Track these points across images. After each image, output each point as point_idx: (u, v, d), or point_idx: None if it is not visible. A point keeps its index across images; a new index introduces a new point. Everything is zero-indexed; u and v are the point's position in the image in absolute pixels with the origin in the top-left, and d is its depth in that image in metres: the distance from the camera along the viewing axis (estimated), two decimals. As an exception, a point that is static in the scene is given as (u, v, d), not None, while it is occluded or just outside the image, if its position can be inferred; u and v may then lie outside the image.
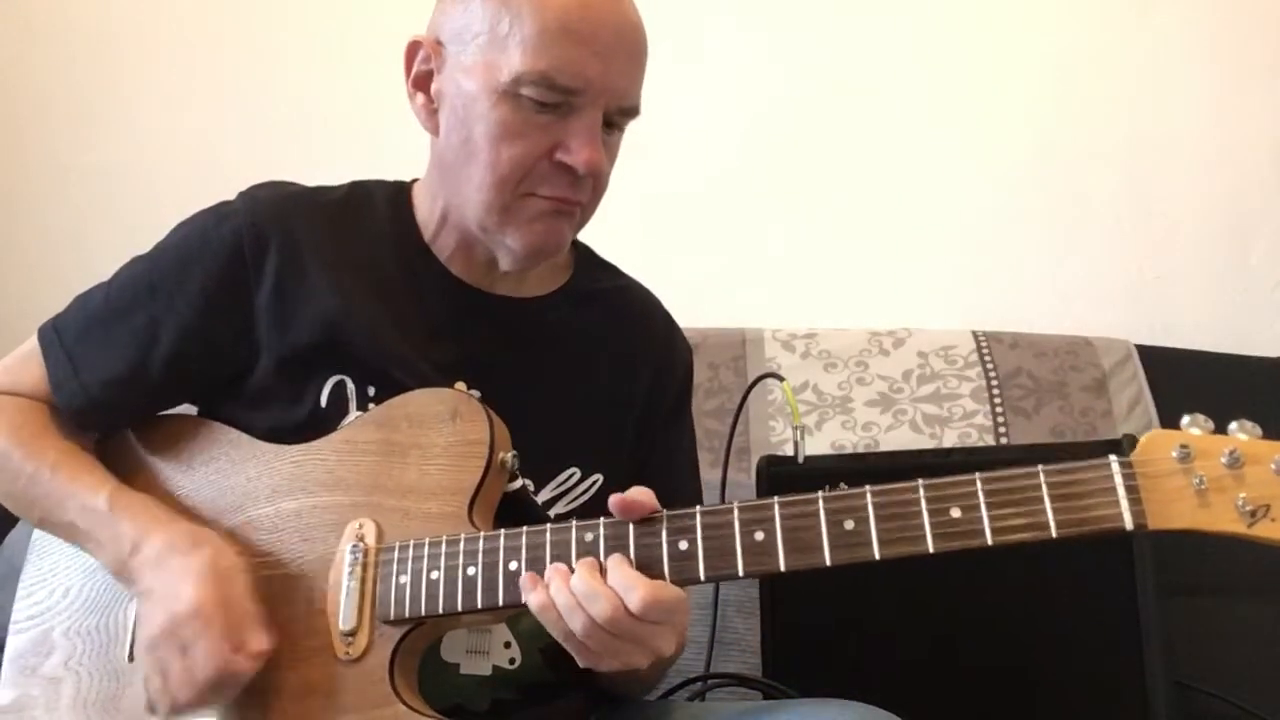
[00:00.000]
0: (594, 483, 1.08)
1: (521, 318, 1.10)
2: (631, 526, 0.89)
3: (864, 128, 2.04)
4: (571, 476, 1.08)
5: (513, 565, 0.90)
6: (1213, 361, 1.82)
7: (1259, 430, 0.78)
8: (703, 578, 0.87)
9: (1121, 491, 0.79)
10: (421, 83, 1.04)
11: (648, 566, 0.87)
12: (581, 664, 0.88)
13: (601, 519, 0.90)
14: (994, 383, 1.77)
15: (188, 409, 1.11)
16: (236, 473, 1.03)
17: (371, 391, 1.02)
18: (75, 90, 2.13)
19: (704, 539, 0.87)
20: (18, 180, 2.14)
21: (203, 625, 0.91)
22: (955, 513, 0.82)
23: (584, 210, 1.04)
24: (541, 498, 1.06)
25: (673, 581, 0.87)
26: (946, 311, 1.96)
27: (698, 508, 0.88)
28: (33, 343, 1.09)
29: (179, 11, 2.12)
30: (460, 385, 1.03)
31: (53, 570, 1.10)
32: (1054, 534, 0.80)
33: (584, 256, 1.18)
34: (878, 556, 0.83)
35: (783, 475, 1.31)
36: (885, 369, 1.79)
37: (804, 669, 1.28)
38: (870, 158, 2.04)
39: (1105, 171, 2.00)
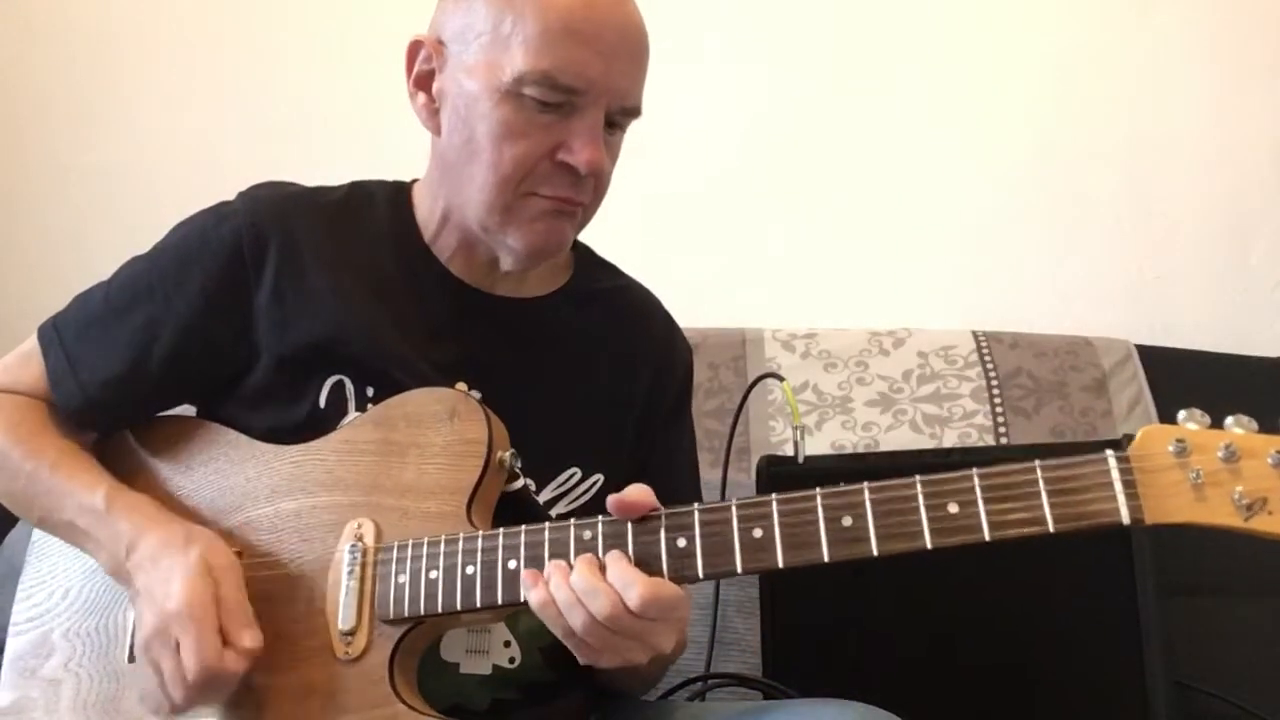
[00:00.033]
0: (594, 483, 1.08)
1: (522, 318, 1.10)
2: (630, 525, 0.89)
3: (864, 128, 2.04)
4: (572, 477, 1.08)
5: (511, 564, 0.90)
6: (1213, 361, 1.82)
7: (1255, 424, 0.79)
8: (701, 575, 0.87)
9: (1118, 486, 0.79)
10: (423, 82, 1.04)
11: (646, 564, 0.87)
12: (581, 660, 0.88)
13: (600, 517, 0.90)
14: (994, 383, 1.77)
15: (186, 410, 1.11)
16: (235, 473, 1.03)
17: (370, 392, 1.02)
18: (75, 90, 2.13)
19: (702, 536, 0.87)
20: (18, 180, 2.14)
21: (192, 623, 0.90)
22: (953, 508, 0.82)
23: (585, 210, 1.04)
24: (542, 498, 1.06)
25: (671, 579, 0.87)
26: (946, 311, 1.96)
27: (696, 505, 0.88)
28: (32, 342, 1.09)
29: (179, 11, 2.12)
30: (461, 386, 1.03)
31: (52, 572, 1.10)
32: (1051, 528, 0.80)
33: (584, 256, 1.18)
34: (876, 552, 0.83)
35: (783, 475, 1.31)
36: (885, 369, 1.79)
37: (804, 669, 1.28)
38: (870, 158, 2.04)
39: (1105, 171, 2.00)
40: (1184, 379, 1.77)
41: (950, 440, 1.72)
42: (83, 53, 2.13)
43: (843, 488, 0.85)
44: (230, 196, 1.09)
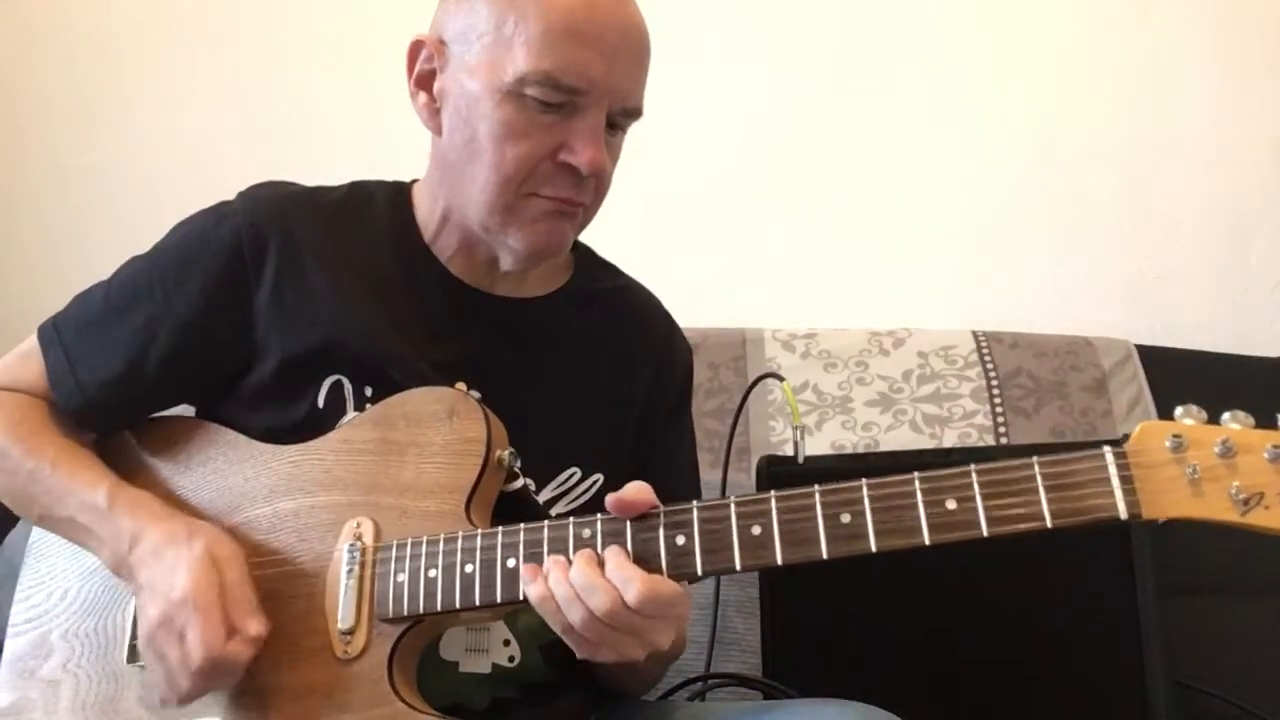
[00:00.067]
0: (594, 483, 1.08)
1: (522, 318, 1.10)
2: (629, 523, 0.89)
3: (864, 128, 2.04)
4: (572, 476, 1.08)
5: (510, 562, 0.90)
6: (1213, 361, 1.82)
7: (1251, 420, 0.79)
8: (700, 572, 0.87)
9: (1116, 481, 0.79)
10: (424, 82, 1.04)
11: (645, 561, 0.87)
12: (579, 655, 0.89)
13: (599, 515, 0.90)
14: (994, 383, 1.77)
15: (186, 409, 1.11)
16: (234, 473, 1.03)
17: (369, 392, 1.02)
18: (75, 90, 2.12)
19: (701, 534, 0.87)
20: (18, 180, 2.13)
21: (197, 611, 0.91)
22: (951, 504, 0.82)
23: (586, 211, 1.04)
24: (542, 498, 1.06)
25: (670, 576, 0.87)
26: (946, 311, 1.96)
27: (694, 503, 0.89)
28: (32, 341, 1.09)
29: (179, 11, 2.12)
30: (460, 385, 1.03)
31: (50, 573, 1.10)
32: (1049, 524, 0.80)
33: (584, 257, 1.18)
34: (874, 549, 0.83)
35: (783, 475, 1.31)
36: (885, 369, 1.79)
37: (804, 669, 1.28)
38: (870, 158, 2.04)
39: (1105, 171, 2.00)
40: (1184, 379, 1.77)
41: (950, 440, 1.72)
42: (83, 53, 2.13)
43: (841, 484, 0.85)
44: (230, 196, 1.09)
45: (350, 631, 0.93)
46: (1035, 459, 0.81)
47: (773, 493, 0.86)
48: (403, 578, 0.93)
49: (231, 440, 1.04)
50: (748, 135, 2.05)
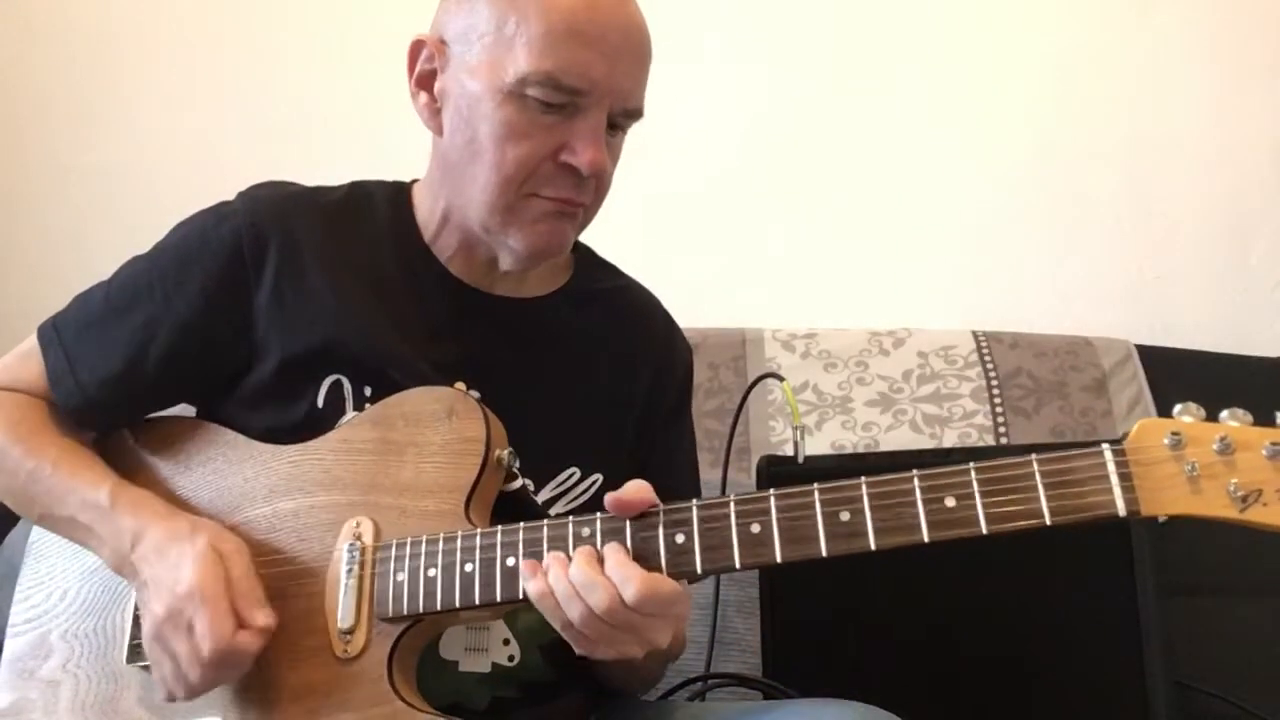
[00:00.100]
0: (594, 482, 1.08)
1: (521, 318, 1.10)
2: (629, 521, 0.89)
3: (864, 128, 2.04)
4: (571, 476, 1.08)
5: (510, 561, 0.90)
6: (1213, 361, 1.82)
7: (1250, 417, 0.79)
8: (700, 570, 0.87)
9: (1114, 478, 0.80)
10: (425, 82, 1.04)
11: (645, 560, 0.87)
12: (578, 651, 0.89)
13: (598, 514, 0.90)
14: (994, 383, 1.77)
15: (186, 410, 1.11)
16: (234, 473, 1.03)
17: (368, 391, 1.02)
18: (75, 90, 2.13)
19: (700, 532, 0.87)
20: (18, 180, 2.14)
21: (204, 603, 0.91)
22: (950, 502, 0.82)
23: (587, 211, 1.04)
24: (541, 497, 1.06)
25: (670, 574, 0.87)
26: (946, 311, 1.96)
27: (694, 501, 0.89)
28: (32, 341, 1.09)
29: (179, 11, 2.12)
30: (460, 385, 1.03)
31: (50, 573, 1.10)
32: (1048, 521, 0.80)
33: (584, 257, 1.18)
34: (874, 547, 0.83)
35: (783, 475, 1.31)
36: (885, 369, 1.79)
37: (804, 669, 1.28)
38: (870, 158, 2.04)
39: (1105, 171, 2.00)
40: (1184, 379, 1.77)
41: (950, 440, 1.72)
42: (83, 53, 2.13)
43: (840, 483, 0.85)
44: (230, 196, 1.09)
45: (350, 631, 0.93)
46: (1034, 456, 0.81)
47: (772, 491, 0.86)
48: (402, 577, 0.93)
49: (231, 440, 1.04)
50: (748, 135, 2.05)
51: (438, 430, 0.98)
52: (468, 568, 0.91)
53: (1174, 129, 1.99)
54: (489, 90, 0.98)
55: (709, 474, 1.36)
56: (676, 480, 1.14)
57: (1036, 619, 1.28)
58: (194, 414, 1.10)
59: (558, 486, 1.07)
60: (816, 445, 1.70)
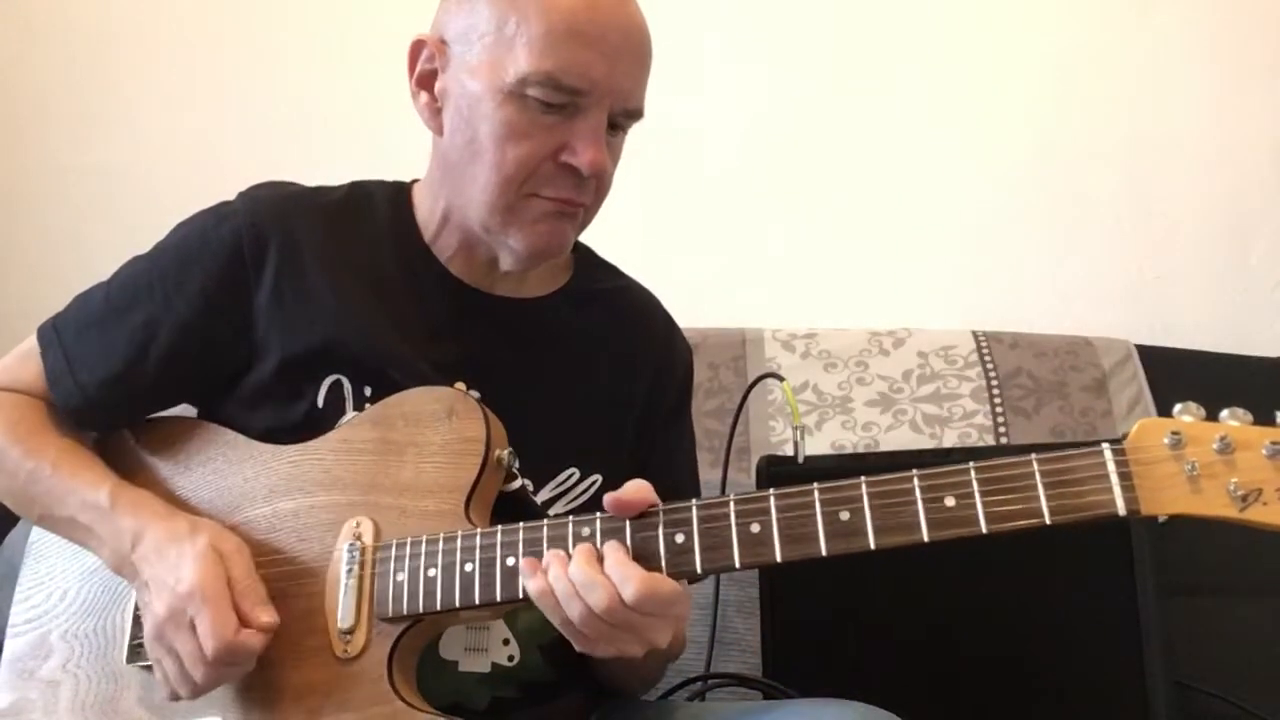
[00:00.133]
0: (593, 483, 1.08)
1: (521, 318, 1.10)
2: (628, 521, 0.89)
3: (864, 128, 2.04)
4: (571, 477, 1.08)
5: (510, 561, 0.90)
6: (1213, 361, 1.82)
7: (1250, 417, 0.79)
8: (700, 570, 0.87)
9: (1114, 478, 0.80)
10: (425, 82, 1.04)
11: (645, 559, 0.87)
12: (578, 649, 0.89)
13: (598, 514, 0.90)
14: (994, 383, 1.77)
15: (186, 410, 1.11)
16: (234, 473, 1.03)
17: (368, 391, 1.02)
18: (75, 90, 2.13)
19: (700, 532, 0.87)
20: (18, 180, 2.14)
21: (206, 602, 0.91)
22: (949, 501, 0.82)
23: (587, 212, 1.04)
24: (540, 498, 1.06)
25: (670, 574, 0.87)
26: (946, 311, 1.96)
27: (693, 501, 0.89)
28: (31, 341, 1.09)
29: (179, 11, 2.12)
30: (460, 385, 1.03)
31: (50, 573, 1.10)
32: (1048, 520, 0.80)
33: (584, 257, 1.18)
34: (873, 546, 0.83)
35: (783, 475, 1.31)
36: (885, 369, 1.79)
37: (804, 669, 1.28)
38: (870, 158, 2.04)
39: (1105, 171, 2.00)
40: (1184, 379, 1.77)
41: (950, 440, 1.72)
42: (83, 53, 2.13)
43: (840, 483, 0.85)
44: (230, 196, 1.09)
45: (350, 631, 0.93)
46: (1034, 456, 0.81)
47: (771, 490, 0.86)
48: (402, 577, 0.93)
49: (231, 440, 1.04)
50: (748, 135, 2.05)
51: (438, 430, 0.98)
52: (468, 568, 0.91)
53: (1174, 129, 1.99)
54: (489, 90, 0.98)
55: (709, 474, 1.36)
56: (676, 480, 1.14)
57: (1036, 619, 1.28)
58: (194, 414, 1.10)
59: (557, 487, 1.07)
60: (816, 445, 1.70)
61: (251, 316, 1.04)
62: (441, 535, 0.93)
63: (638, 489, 0.89)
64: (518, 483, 1.03)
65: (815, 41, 2.05)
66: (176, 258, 1.06)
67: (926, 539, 0.82)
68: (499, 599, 0.90)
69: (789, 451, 1.34)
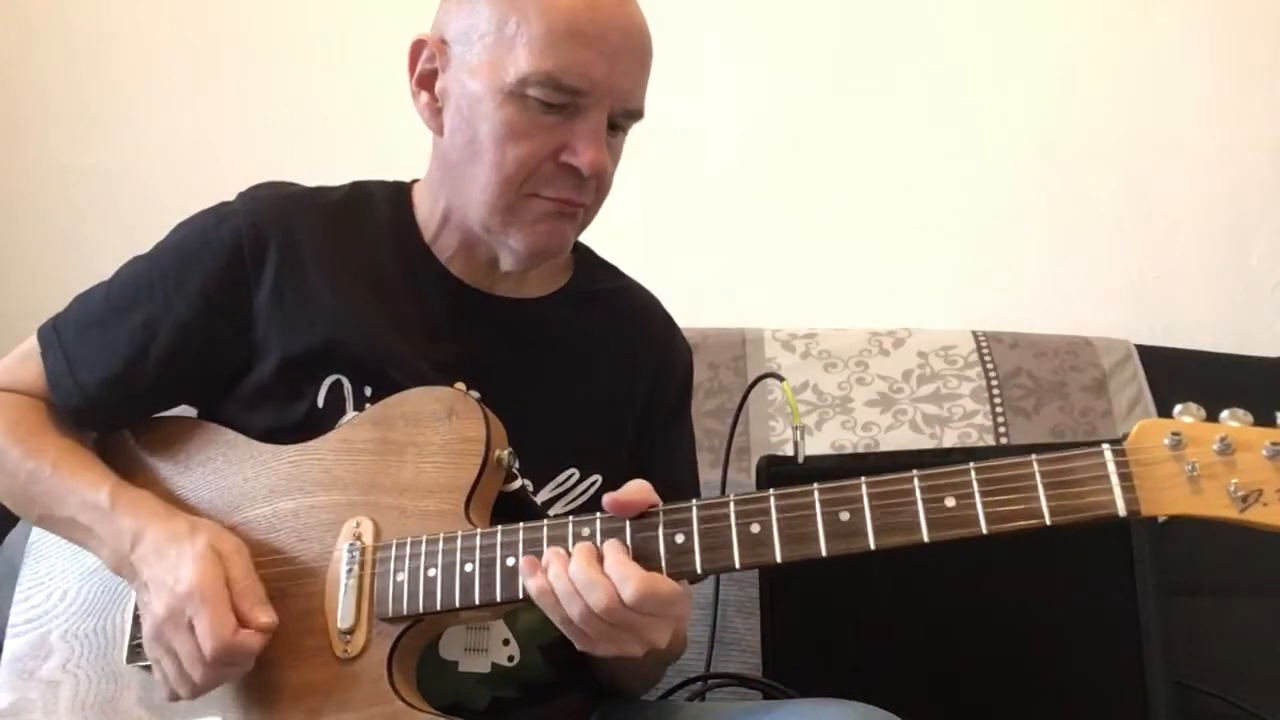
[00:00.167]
0: (593, 483, 1.08)
1: (522, 318, 1.10)
2: (628, 521, 0.89)
3: (864, 128, 2.04)
4: (570, 477, 1.08)
5: (510, 561, 0.90)
6: (1213, 361, 1.82)
7: (1250, 418, 0.79)
8: (699, 570, 0.87)
9: (1115, 479, 0.80)
10: (425, 82, 1.04)
11: (645, 560, 0.87)
12: (578, 647, 0.89)
13: (598, 514, 0.90)
14: (994, 383, 1.77)
15: (186, 410, 1.11)
16: (234, 473, 1.03)
17: (368, 391, 1.02)
18: (75, 90, 2.13)
19: (700, 532, 0.87)
20: (18, 180, 2.14)
21: (205, 602, 0.91)
22: (950, 502, 0.82)
23: (587, 212, 1.04)
24: (540, 498, 1.06)
25: (670, 574, 0.87)
26: (946, 311, 1.96)
27: (694, 501, 0.89)
28: (32, 342, 1.09)
29: (179, 11, 2.12)
30: (460, 385, 1.03)
31: (50, 573, 1.10)
32: (1048, 521, 0.80)
33: (584, 257, 1.18)
34: (873, 546, 0.83)
35: (783, 475, 1.31)
36: (885, 369, 1.79)
37: (804, 669, 1.28)
38: (870, 158, 2.04)
39: (1105, 171, 2.00)
40: (1184, 379, 1.77)
41: (950, 440, 1.72)
42: (83, 53, 2.13)
43: (840, 483, 0.85)
44: (230, 196, 1.09)
45: (350, 631, 0.93)
46: (1034, 456, 0.82)
47: (771, 491, 0.86)
48: (402, 577, 0.93)
49: (231, 440, 1.04)
50: (748, 135, 2.05)
51: (438, 430, 0.98)
52: (468, 568, 0.91)
53: (1174, 129, 1.99)
54: (490, 90, 0.98)
55: (709, 474, 1.36)
56: (676, 480, 1.14)
57: (1036, 619, 1.28)
58: (194, 414, 1.10)
59: (557, 487, 1.07)
60: (816, 445, 1.70)
61: (251, 316, 1.04)
62: (441, 535, 0.93)
63: (638, 489, 0.89)
64: (518, 483, 1.03)
65: (815, 41, 2.05)
66: (176, 258, 1.06)
67: (926, 539, 0.82)
68: (499, 599, 0.90)
69: (789, 451, 1.34)
